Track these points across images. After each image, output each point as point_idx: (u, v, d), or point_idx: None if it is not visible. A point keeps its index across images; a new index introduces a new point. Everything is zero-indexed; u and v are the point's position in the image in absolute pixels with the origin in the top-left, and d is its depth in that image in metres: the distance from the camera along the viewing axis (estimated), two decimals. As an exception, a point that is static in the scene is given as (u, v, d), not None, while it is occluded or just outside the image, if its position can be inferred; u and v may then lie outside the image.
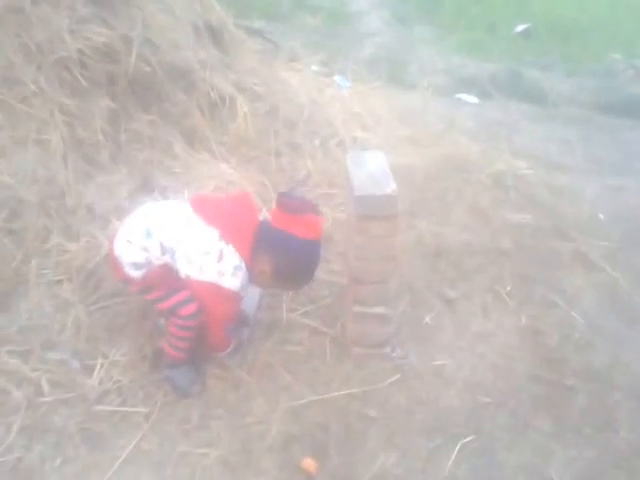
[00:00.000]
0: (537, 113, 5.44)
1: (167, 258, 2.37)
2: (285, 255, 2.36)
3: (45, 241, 2.67)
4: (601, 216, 4.03)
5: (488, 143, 4.66)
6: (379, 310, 2.66)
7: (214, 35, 3.89)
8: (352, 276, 2.63)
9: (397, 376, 2.72)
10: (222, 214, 2.42)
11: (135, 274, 2.40)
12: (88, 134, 2.97)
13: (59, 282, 2.61)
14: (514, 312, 3.18)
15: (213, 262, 2.32)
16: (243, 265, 2.35)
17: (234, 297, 2.39)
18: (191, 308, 2.39)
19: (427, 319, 3.05)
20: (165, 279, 2.39)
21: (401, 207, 3.67)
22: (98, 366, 2.46)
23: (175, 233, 2.37)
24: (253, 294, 2.89)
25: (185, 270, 2.35)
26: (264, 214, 2.53)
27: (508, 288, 3.29)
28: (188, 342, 2.46)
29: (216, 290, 2.34)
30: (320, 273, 3.12)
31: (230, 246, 2.34)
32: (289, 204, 2.33)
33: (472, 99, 5.38)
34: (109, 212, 2.88)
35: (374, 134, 4.52)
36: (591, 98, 5.68)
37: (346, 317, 2.81)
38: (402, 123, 4.83)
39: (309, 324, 2.88)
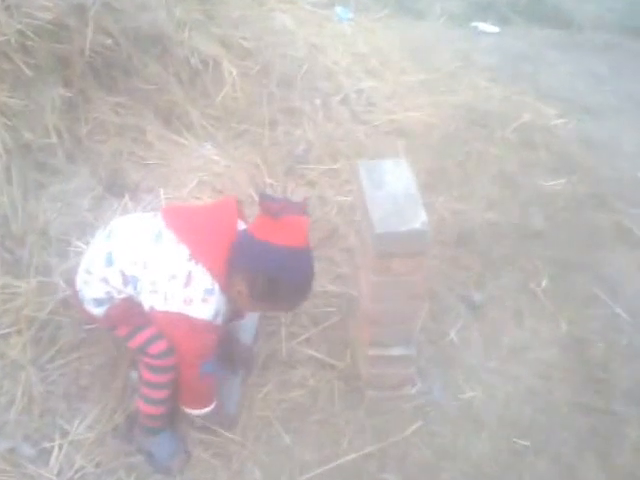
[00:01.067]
0: (562, 40, 4.54)
1: (130, 290, 1.80)
2: (261, 270, 1.73)
3: (-14, 283, 2.02)
4: (643, 175, 3.29)
5: (511, 85, 3.85)
6: (398, 352, 2.04)
7: (193, -17, 3.05)
8: (367, 318, 1.98)
9: (419, 423, 2.13)
10: (195, 227, 1.82)
11: (97, 312, 1.88)
12: (37, 135, 2.25)
13: (6, 336, 1.99)
14: (552, 316, 2.55)
15: (179, 288, 1.73)
16: (217, 287, 1.75)
17: (206, 328, 1.77)
18: (162, 345, 1.83)
19: (452, 334, 2.42)
20: (130, 315, 1.84)
21: (416, 182, 3.05)
22: (56, 449, 1.87)
23: (139, 257, 1.78)
24: (250, 321, 2.27)
25: (148, 301, 1.77)
26: (247, 223, 1.82)
27: (543, 284, 2.64)
28: (165, 391, 1.88)
29: (183, 322, 1.75)
30: (323, 280, 2.49)
31: (200, 265, 1.73)
32: (269, 207, 1.68)
33: (490, 28, 4.48)
34: (68, 232, 2.21)
35: (382, 81, 3.73)
36: (618, 19, 4.76)
37: (359, 356, 2.19)
38: (413, 63, 4.00)
39: (313, 356, 2.27)
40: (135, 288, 1.79)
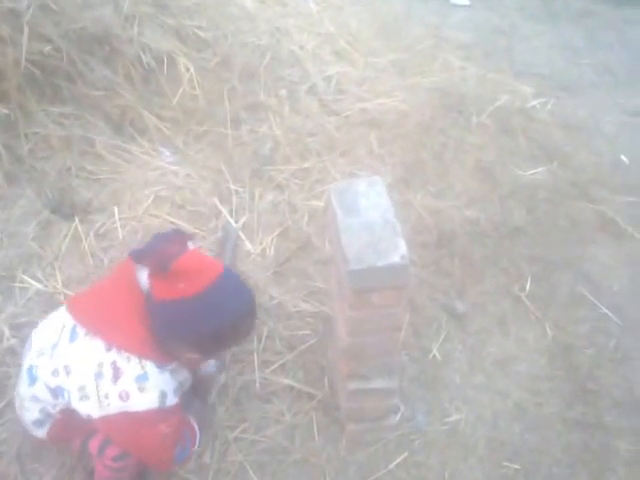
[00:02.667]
0: (536, 9, 4.28)
1: (62, 401, 1.56)
2: (190, 328, 1.47)
3: None
4: (624, 158, 3.09)
5: (486, 63, 3.61)
6: (380, 384, 1.84)
7: (141, -29, 2.73)
8: (345, 352, 1.78)
9: (404, 454, 1.96)
10: (101, 313, 1.53)
11: (40, 433, 1.67)
12: (-29, 159, 1.98)
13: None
14: (537, 321, 2.39)
15: (109, 386, 1.46)
16: (150, 368, 1.48)
17: (158, 417, 1.50)
18: (116, 449, 1.62)
19: (435, 350, 2.24)
20: (72, 428, 1.63)
21: (392, 178, 2.83)
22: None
23: (58, 364, 1.53)
24: None
25: (83, 410, 1.51)
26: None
27: (527, 287, 2.47)
28: (125, 475, 1.68)
29: (128, 421, 1.48)
30: (296, 297, 2.29)
31: (122, 352, 1.47)
32: (142, 260, 1.44)
33: (462, 0, 4.20)
34: (12, 266, 1.98)
35: (351, 65, 3.46)
36: (593, -15, 4.49)
37: (338, 387, 2.00)
38: (384, 42, 3.73)
39: (289, 385, 2.07)
40: (64, 398, 1.54)
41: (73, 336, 1.52)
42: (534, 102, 3.31)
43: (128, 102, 2.49)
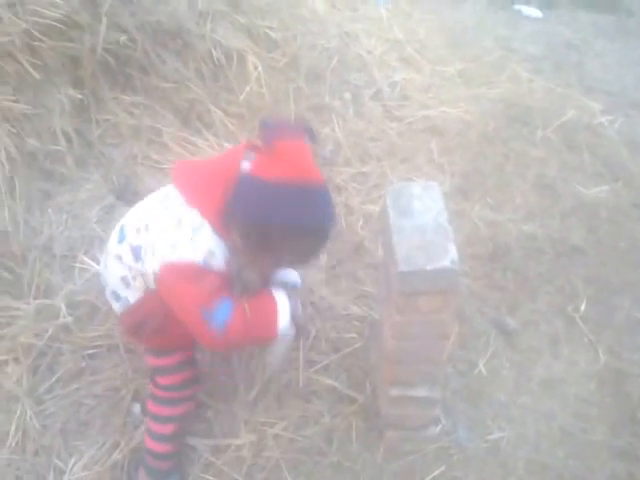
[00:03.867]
0: (610, 26, 4.11)
1: (140, 267, 1.51)
2: (250, 215, 1.39)
3: (-17, 306, 1.82)
4: (693, 182, 2.92)
5: (555, 77, 3.47)
6: (423, 392, 1.78)
7: (218, -30, 2.73)
8: (389, 356, 1.72)
9: (441, 468, 1.88)
10: (193, 174, 1.52)
11: (115, 307, 1.61)
12: (44, 141, 2.01)
13: (1, 364, 1.79)
14: (590, 344, 2.27)
15: (168, 234, 1.43)
16: (207, 226, 1.41)
17: (198, 272, 1.40)
18: (168, 379, 1.64)
19: (481, 365, 2.15)
20: (142, 330, 1.57)
21: (450, 187, 2.75)
22: (49, 493, 1.67)
23: (142, 222, 1.51)
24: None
25: (150, 268, 1.47)
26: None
27: (582, 308, 2.35)
28: (171, 425, 1.69)
29: (171, 271, 1.41)
30: (345, 300, 2.24)
31: (192, 208, 1.43)
32: (264, 135, 1.37)
33: (534, 12, 4.06)
34: (74, 247, 1.99)
35: (417, 72, 3.38)
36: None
37: (379, 392, 1.94)
38: (451, 51, 3.63)
39: (332, 386, 2.03)
40: (141, 260, 1.49)
41: (166, 198, 1.51)
42: (602, 119, 3.16)
43: (197, 96, 2.50)
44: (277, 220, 1.36)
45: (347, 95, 3.02)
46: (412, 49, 3.55)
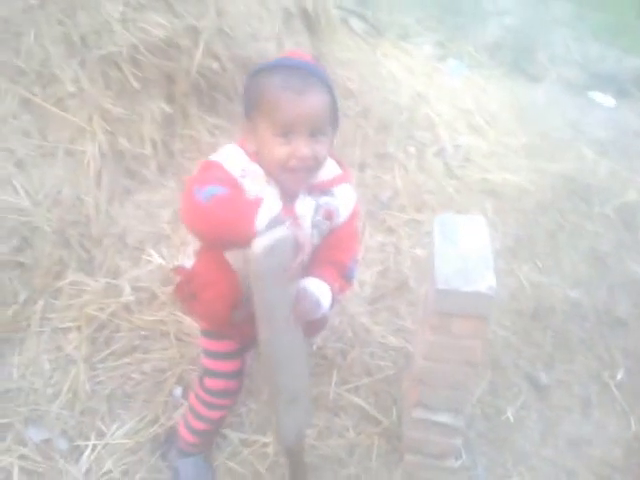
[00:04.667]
0: (683, 122, 4.24)
1: None
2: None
3: (58, 277, 2.06)
4: None
5: (620, 160, 3.62)
6: (445, 419, 1.88)
7: (308, 21, 3.06)
8: (417, 376, 1.86)
9: (454, 502, 1.96)
10: None
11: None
12: (133, 144, 2.29)
13: (66, 331, 2.01)
14: (622, 412, 2.31)
15: None
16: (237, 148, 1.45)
17: (209, 164, 1.43)
18: (214, 384, 1.73)
19: (509, 412, 2.24)
20: None
21: (501, 245, 2.90)
22: (89, 449, 1.84)
23: None
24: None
25: None
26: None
27: (619, 377, 2.41)
28: (206, 425, 1.80)
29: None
30: (384, 331, 2.38)
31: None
32: None
33: (607, 100, 4.25)
34: (144, 240, 2.22)
35: (483, 139, 3.59)
36: None
37: (404, 416, 2.06)
38: (520, 125, 3.84)
39: (360, 405, 2.15)
40: None
41: None
42: (662, 205, 3.27)
43: (272, 128, 2.75)
44: (251, 73, 1.42)
45: (411, 149, 3.25)
46: (481, 118, 3.78)
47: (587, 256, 2.89)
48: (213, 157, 1.44)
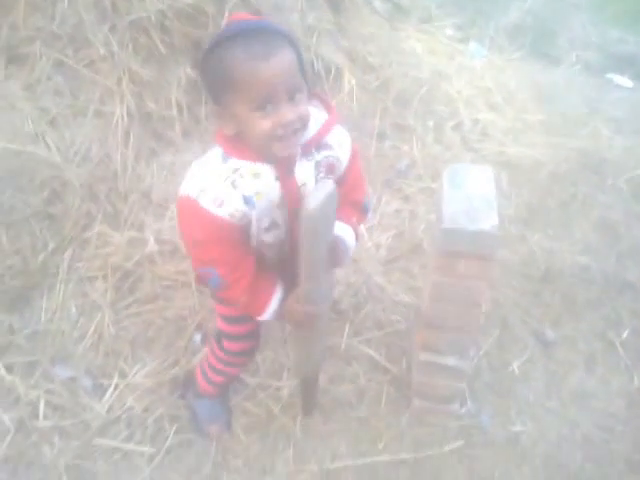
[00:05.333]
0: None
1: None
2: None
3: (86, 229, 2.17)
4: None
5: (634, 137, 3.61)
6: (451, 362, 1.96)
7: (331, -3, 3.14)
8: (424, 318, 1.93)
9: (460, 442, 2.03)
10: None
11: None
12: (160, 107, 2.39)
13: (92, 279, 2.12)
14: (626, 369, 2.35)
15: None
16: (212, 156, 1.38)
17: (188, 206, 1.36)
18: (232, 345, 1.78)
19: (514, 365, 2.30)
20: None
21: (514, 213, 2.94)
22: (112, 387, 1.96)
23: None
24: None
25: None
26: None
27: (624, 335, 2.45)
28: (224, 378, 1.90)
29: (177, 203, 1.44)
30: (397, 289, 2.45)
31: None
32: None
33: (625, 82, 4.24)
34: (168, 198, 2.32)
35: (501, 116, 3.62)
36: None
37: (413, 362, 2.13)
38: (537, 104, 3.85)
39: (370, 355, 2.23)
40: None
41: None
42: (677, 179, 3.27)
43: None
44: (205, 52, 1.31)
45: (430, 123, 3.30)
46: (500, 97, 3.81)
47: (598, 225, 2.92)
48: (194, 194, 1.33)
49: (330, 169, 1.46)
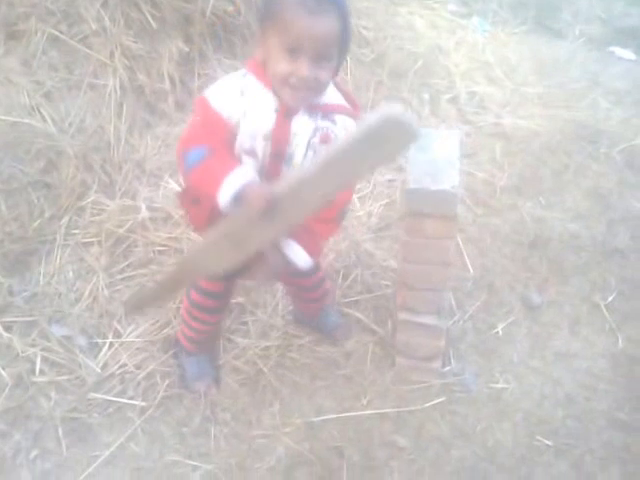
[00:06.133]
0: None
1: None
2: None
3: (81, 197, 2.28)
4: None
5: (634, 110, 3.64)
6: (428, 320, 2.04)
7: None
8: (400, 279, 2.01)
9: (442, 398, 2.11)
10: None
11: None
12: (152, 80, 2.48)
13: (87, 245, 2.23)
14: (610, 331, 2.41)
15: None
16: (244, 72, 1.50)
17: (200, 106, 1.49)
18: (199, 298, 1.86)
19: (499, 327, 2.37)
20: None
21: (506, 183, 3.00)
22: (106, 346, 2.07)
23: None
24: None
25: None
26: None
27: (610, 299, 2.50)
28: (193, 333, 1.98)
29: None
30: (386, 255, 2.53)
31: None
32: None
33: (627, 54, 4.24)
34: (162, 168, 2.42)
35: (499, 88, 3.67)
36: None
37: (394, 322, 2.21)
38: (537, 77, 3.88)
39: (357, 317, 2.31)
40: None
41: None
42: (670, 149, 3.30)
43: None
44: None
45: (425, 96, 3.36)
46: (500, 70, 3.85)
47: (589, 193, 2.97)
48: (208, 92, 1.48)
49: (325, 140, 1.52)
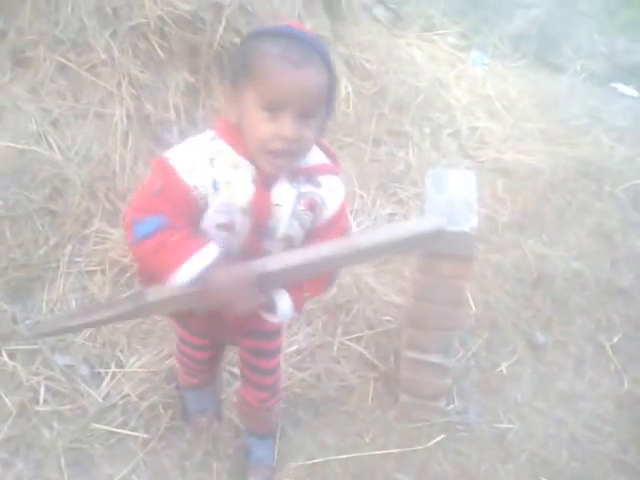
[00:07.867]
0: None
1: None
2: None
3: (85, 226, 2.38)
4: None
5: (636, 147, 3.82)
6: (436, 359, 2.14)
7: (329, 5, 3.36)
8: (408, 317, 2.12)
9: (443, 436, 2.20)
10: None
11: None
12: (158, 110, 2.60)
13: (91, 273, 2.32)
14: (616, 372, 2.53)
15: None
16: (205, 135, 1.42)
17: (158, 165, 1.41)
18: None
19: (503, 367, 2.48)
20: None
21: (508, 219, 3.14)
22: (109, 376, 2.15)
23: None
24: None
25: None
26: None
27: (615, 340, 2.63)
28: (181, 367, 2.00)
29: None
30: (388, 290, 2.64)
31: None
32: None
33: (630, 91, 4.45)
34: (165, 198, 2.52)
35: (500, 123, 3.84)
36: None
37: (400, 360, 2.31)
38: (538, 112, 4.07)
39: (360, 352, 2.41)
40: None
41: None
42: (676, 190, 3.47)
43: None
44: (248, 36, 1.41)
45: (427, 129, 3.52)
46: (500, 105, 4.03)
47: (593, 231, 3.12)
48: (171, 155, 1.38)
49: (312, 206, 1.45)
